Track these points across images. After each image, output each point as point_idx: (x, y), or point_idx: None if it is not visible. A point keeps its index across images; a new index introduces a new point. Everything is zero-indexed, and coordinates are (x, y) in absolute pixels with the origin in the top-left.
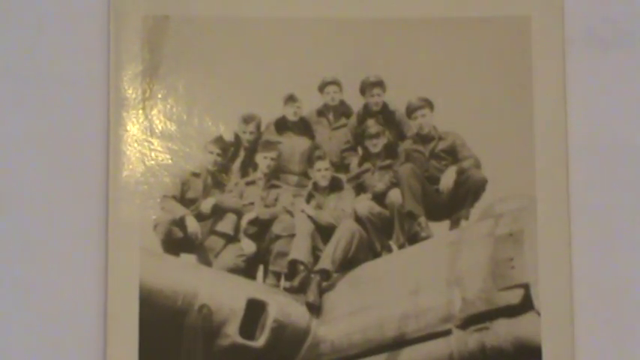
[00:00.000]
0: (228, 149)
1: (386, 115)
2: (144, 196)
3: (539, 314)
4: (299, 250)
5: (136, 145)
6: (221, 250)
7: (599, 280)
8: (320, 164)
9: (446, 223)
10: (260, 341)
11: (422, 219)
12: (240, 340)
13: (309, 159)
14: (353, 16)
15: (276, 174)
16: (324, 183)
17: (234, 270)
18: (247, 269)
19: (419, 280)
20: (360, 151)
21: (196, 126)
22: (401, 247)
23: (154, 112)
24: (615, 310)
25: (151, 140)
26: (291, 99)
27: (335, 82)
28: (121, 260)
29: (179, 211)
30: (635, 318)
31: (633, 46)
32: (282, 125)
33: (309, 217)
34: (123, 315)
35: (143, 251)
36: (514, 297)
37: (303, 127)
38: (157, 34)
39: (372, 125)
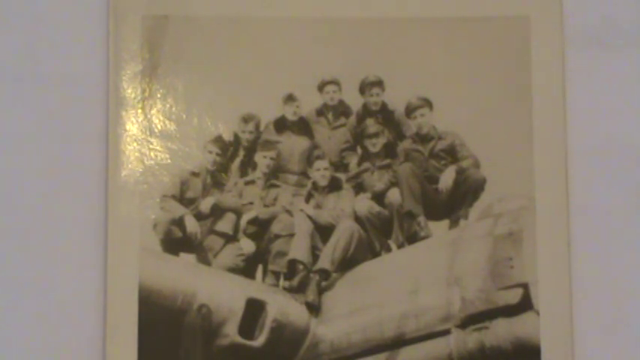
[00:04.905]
0: (227, 149)
1: (385, 115)
2: (143, 196)
3: (538, 314)
4: (298, 250)
5: (135, 144)
6: (220, 250)
7: (597, 280)
8: (319, 164)
9: (445, 223)
10: (259, 341)
11: (421, 218)
12: (239, 339)
13: (309, 158)
14: (352, 16)
15: (275, 173)
16: (323, 182)
17: (234, 269)
18: (246, 269)
19: (418, 280)
20: (359, 150)
21: (195, 125)
22: (400, 246)
23: (153, 111)
24: (614, 309)
25: (150, 140)
26: (290, 98)
27: (334, 82)
28: (121, 260)
29: (178, 210)
30: (634, 317)
31: (633, 46)
32: (281, 125)
33: (309, 216)
34: (122, 314)
35: (142, 251)
36: (513, 296)
37: (302, 126)
38: (156, 34)
39: (371, 125)
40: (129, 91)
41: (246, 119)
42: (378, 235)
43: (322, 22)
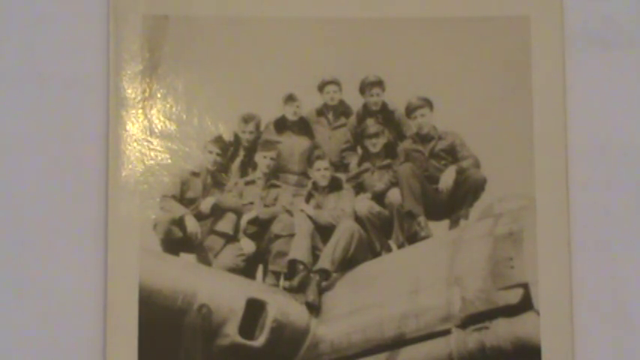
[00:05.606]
0: (227, 149)
1: (385, 115)
2: (143, 196)
3: (538, 314)
4: (298, 250)
5: (135, 144)
6: (221, 250)
7: (598, 280)
8: (319, 164)
9: (445, 223)
10: (259, 341)
11: (421, 218)
12: (239, 339)
13: (309, 159)
14: (353, 16)
15: (275, 173)
16: (323, 183)
17: (234, 269)
18: (247, 269)
19: (418, 280)
20: (359, 150)
21: (196, 125)
22: (400, 246)
23: (154, 111)
24: (614, 309)
25: (151, 140)
26: (290, 98)
27: (334, 82)
28: (121, 260)
29: (179, 210)
30: (634, 317)
31: (633, 46)
32: (281, 125)
33: (309, 216)
34: (123, 315)
35: (143, 251)
36: (513, 296)
37: (302, 126)
38: (157, 34)
39: (371, 125)
40: (129, 91)
41: (246, 119)
42: (379, 235)
43: (322, 22)
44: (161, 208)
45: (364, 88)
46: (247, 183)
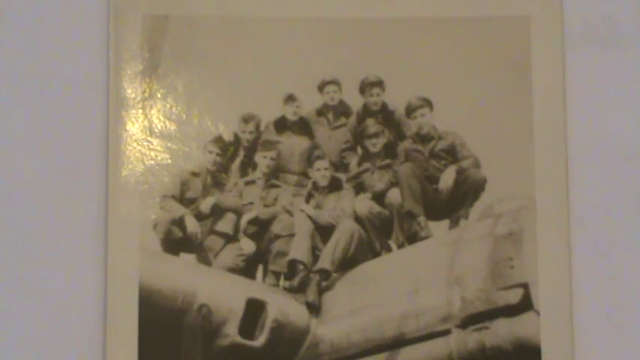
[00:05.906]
0: (227, 149)
1: (385, 115)
2: (143, 196)
3: (538, 314)
4: (298, 250)
5: (135, 144)
6: (220, 250)
7: (598, 280)
8: (319, 164)
9: (445, 223)
10: (259, 341)
11: (421, 218)
12: (239, 339)
13: (309, 159)
14: (352, 16)
15: (275, 174)
16: (323, 183)
17: (234, 269)
18: (247, 269)
19: (418, 280)
20: (359, 150)
21: (196, 125)
22: (400, 246)
23: (154, 111)
24: (614, 309)
25: (151, 140)
26: (290, 98)
27: (334, 82)
28: (121, 260)
29: (179, 210)
30: (634, 317)
31: (633, 45)
32: (281, 125)
33: (309, 216)
34: (122, 314)
35: (143, 251)
36: (513, 297)
37: (302, 126)
38: (157, 34)
39: (371, 125)
40: (129, 91)
41: (246, 119)
42: (379, 235)
43: (322, 22)
44: (161, 208)
45: (364, 88)
46: (247, 183)
